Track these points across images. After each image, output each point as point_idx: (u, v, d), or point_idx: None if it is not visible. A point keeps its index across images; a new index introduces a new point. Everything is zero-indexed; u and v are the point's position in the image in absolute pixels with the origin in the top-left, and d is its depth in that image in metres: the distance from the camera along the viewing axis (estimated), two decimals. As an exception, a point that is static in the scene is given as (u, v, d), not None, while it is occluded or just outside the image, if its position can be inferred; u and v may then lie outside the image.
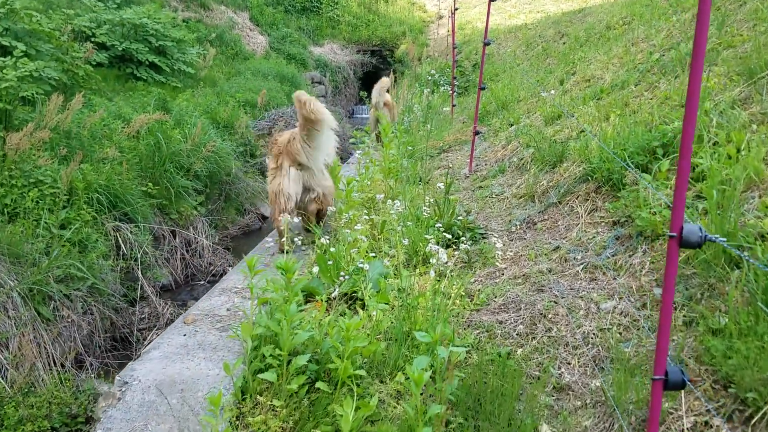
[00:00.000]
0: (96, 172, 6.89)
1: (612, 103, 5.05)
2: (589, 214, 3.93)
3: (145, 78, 11.92)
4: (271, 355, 2.96)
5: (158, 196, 7.71)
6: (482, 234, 4.59)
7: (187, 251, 7.92)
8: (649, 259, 3.12)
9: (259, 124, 12.46)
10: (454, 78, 9.27)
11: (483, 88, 6.09)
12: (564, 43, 9.41)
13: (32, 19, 8.20)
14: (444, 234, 4.04)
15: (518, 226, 4.55)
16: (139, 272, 6.91)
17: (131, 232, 6.87)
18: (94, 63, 10.98)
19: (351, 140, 15.03)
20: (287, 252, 3.66)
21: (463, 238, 4.20)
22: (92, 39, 10.89)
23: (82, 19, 10.83)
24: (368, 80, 23.08)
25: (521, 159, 5.70)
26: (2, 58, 7.08)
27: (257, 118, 12.75)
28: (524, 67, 10.10)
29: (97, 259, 6.32)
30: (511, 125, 6.90)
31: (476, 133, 5.89)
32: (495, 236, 4.46)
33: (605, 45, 7.52)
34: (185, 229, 7.97)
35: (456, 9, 9.03)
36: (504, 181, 5.62)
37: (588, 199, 4.06)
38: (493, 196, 5.36)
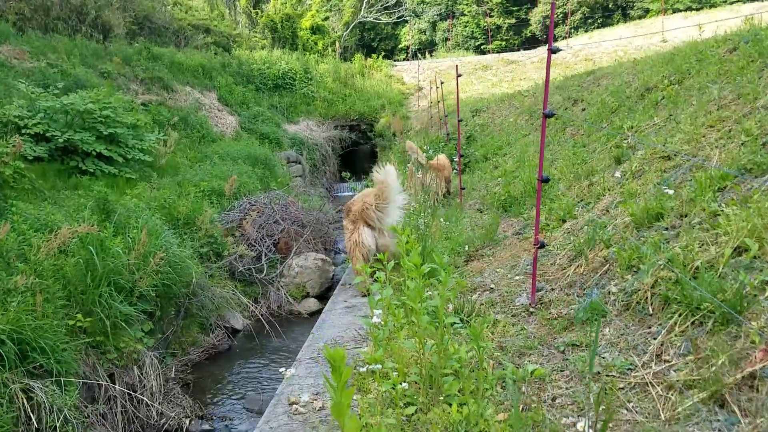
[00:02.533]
0: (-3, 310, 5.07)
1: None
2: None
3: (92, 171, 10.24)
4: None
5: (91, 330, 5.87)
6: None
7: (131, 400, 6.00)
8: None
9: (228, 215, 10.74)
10: (461, 156, 7.62)
11: (545, 180, 4.01)
12: (583, 110, 7.97)
13: (-70, 110, 6.52)
14: None
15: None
16: (58, 447, 5.00)
17: (46, 393, 4.98)
18: (31, 158, 9.33)
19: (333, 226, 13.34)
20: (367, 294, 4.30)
21: None
22: (24, 131, 9.24)
23: (10, 108, 9.19)
24: (348, 156, 21.69)
25: (629, 293, 3.47)
26: None
27: (225, 208, 11.05)
28: (535, 139, 8.62)
29: (-11, 442, 4.44)
30: (563, 221, 5.25)
31: (540, 245, 4.01)
32: None
33: (661, 110, 5.97)
34: (127, 371, 6.08)
35: (459, 75, 7.48)
36: (614, 336, 3.27)
37: None
38: (616, 374, 2.96)
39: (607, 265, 3.93)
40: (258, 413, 6.36)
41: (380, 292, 3.28)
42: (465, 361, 2.81)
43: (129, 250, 6.66)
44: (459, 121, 7.61)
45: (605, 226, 4.31)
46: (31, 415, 4.83)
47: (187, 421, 6.03)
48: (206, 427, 6.01)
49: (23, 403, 4.86)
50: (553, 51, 3.76)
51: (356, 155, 21.60)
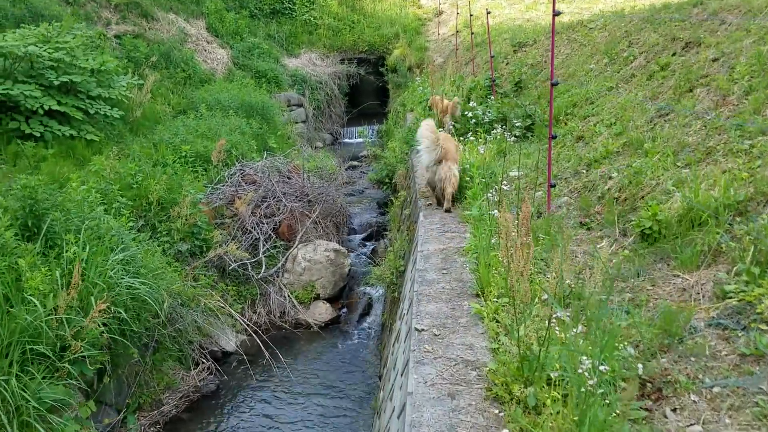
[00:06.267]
0: None
1: None
2: None
3: (40, 134, 7.97)
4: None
5: (-7, 431, 3.82)
6: None
7: None
8: None
9: (216, 191, 8.50)
10: (552, 137, 4.88)
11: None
12: (714, 60, 5.52)
13: None
14: None
15: None
16: None
17: None
18: (-46, 120, 7.07)
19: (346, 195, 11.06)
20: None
21: None
22: (-67, 88, 6.94)
23: None
24: (356, 94, 19.09)
25: None
26: None
27: (212, 180, 8.78)
28: (631, 97, 6.24)
29: None
30: None
31: None
32: None
33: None
34: (56, 487, 4.07)
35: (557, 14, 4.78)
36: None
37: None
38: None
39: None
40: None
41: None
42: None
43: (59, 288, 4.52)
44: (553, 84, 4.82)
45: None
46: None
47: None
48: None
49: None
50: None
51: (365, 92, 18.95)
